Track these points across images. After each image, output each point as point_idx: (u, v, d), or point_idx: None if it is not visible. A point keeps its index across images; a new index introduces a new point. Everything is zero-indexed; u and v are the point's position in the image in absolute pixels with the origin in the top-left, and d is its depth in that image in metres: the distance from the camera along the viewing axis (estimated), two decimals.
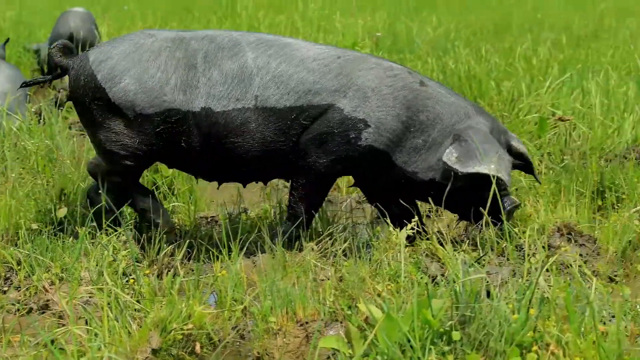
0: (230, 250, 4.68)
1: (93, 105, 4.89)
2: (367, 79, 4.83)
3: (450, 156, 4.81)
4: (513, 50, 10.32)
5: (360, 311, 3.57)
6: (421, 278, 4.26)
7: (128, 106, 4.81)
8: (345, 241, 4.80)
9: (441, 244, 4.77)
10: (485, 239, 4.78)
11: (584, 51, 10.24)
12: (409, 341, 3.29)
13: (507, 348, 3.27)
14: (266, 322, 3.95)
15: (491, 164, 4.75)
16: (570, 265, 4.45)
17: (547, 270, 4.53)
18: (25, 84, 5.18)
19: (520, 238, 4.80)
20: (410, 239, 4.92)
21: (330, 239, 4.86)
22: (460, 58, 9.71)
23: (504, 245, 4.74)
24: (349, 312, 3.79)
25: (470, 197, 4.86)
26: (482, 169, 4.75)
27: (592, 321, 3.28)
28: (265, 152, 4.85)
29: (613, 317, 3.72)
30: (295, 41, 5.01)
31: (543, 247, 4.65)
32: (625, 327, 3.46)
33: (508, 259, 4.66)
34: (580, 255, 4.83)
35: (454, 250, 4.64)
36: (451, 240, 4.80)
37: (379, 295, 4.04)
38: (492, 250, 4.71)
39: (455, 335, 3.31)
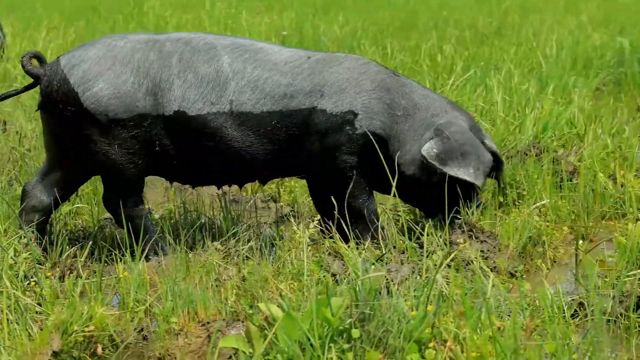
0: (133, 251, 4.65)
1: (65, 111, 4.77)
2: (338, 73, 4.89)
3: (430, 151, 4.86)
4: (419, 48, 10.42)
5: (261, 310, 3.58)
6: (324, 276, 4.29)
7: (101, 112, 4.74)
8: (249, 241, 4.81)
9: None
10: (387, 237, 4.83)
11: (487, 48, 10.39)
12: (308, 339, 3.31)
13: (405, 345, 3.31)
14: (168, 322, 3.94)
15: (470, 169, 4.84)
16: (471, 261, 4.51)
17: (448, 267, 4.59)
18: (1, 98, 5.07)
19: (421, 235, 4.85)
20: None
21: (234, 239, 4.86)
22: (367, 56, 9.77)
23: (407, 242, 4.79)
24: (250, 312, 3.80)
25: (440, 194, 4.88)
26: (461, 173, 4.84)
27: (489, 317, 3.33)
28: (244, 157, 4.87)
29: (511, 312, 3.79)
30: (268, 45, 5.04)
31: (445, 244, 4.71)
32: (522, 322, 3.53)
33: (410, 257, 4.71)
34: (482, 251, 4.89)
35: (357, 248, 4.67)
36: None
37: (281, 294, 4.06)
38: (394, 248, 4.75)
39: (355, 332, 3.33)
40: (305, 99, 4.84)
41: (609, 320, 4.09)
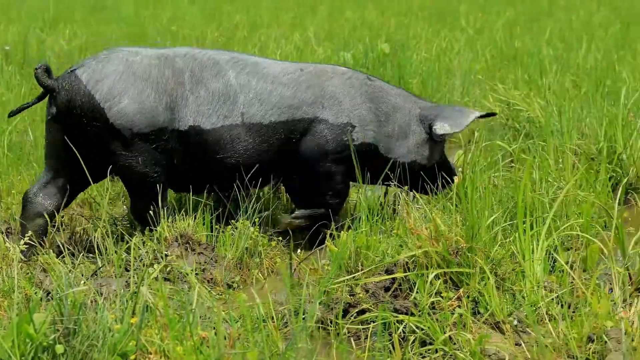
0: None
1: (89, 126, 4.93)
2: (333, 86, 5.39)
3: (442, 129, 5.51)
4: None
5: None
6: (36, 293, 4.18)
7: (126, 126, 4.93)
8: None
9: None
10: (103, 250, 4.76)
11: None
12: (10, 357, 3.22)
13: (110, 358, 3.28)
14: None
15: (475, 112, 5.61)
16: (187, 274, 4.51)
17: (166, 280, 4.60)
18: (13, 113, 5.21)
19: (140, 248, 4.82)
20: None
21: None
22: None
23: (124, 255, 4.74)
24: None
25: (432, 173, 5.71)
26: (475, 114, 5.58)
27: (191, 327, 3.35)
28: (253, 164, 5.24)
29: (226, 322, 3.82)
30: (260, 59, 5.43)
31: (161, 256, 4.71)
32: (226, 332, 3.56)
33: (127, 270, 4.66)
34: (199, 263, 4.92)
35: (73, 263, 4.58)
36: (72, 253, 4.76)
37: None
38: (109, 262, 4.69)
39: (59, 348, 3.27)
40: (309, 109, 5.32)
41: (319, 327, 4.20)
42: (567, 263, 4.60)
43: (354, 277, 4.40)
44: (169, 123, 5.04)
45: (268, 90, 5.23)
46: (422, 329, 3.92)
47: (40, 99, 5.15)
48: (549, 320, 3.93)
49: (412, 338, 3.94)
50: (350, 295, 4.31)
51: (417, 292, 4.15)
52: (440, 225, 4.28)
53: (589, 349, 3.73)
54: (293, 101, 5.28)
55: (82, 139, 4.98)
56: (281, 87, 5.27)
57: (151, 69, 5.03)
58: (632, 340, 3.72)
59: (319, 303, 4.27)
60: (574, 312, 4.00)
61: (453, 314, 3.95)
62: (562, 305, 4.05)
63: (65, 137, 5.00)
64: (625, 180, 5.70)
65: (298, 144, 5.34)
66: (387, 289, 4.34)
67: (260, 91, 5.21)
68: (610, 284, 4.28)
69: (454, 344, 3.83)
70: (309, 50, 11.35)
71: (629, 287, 4.42)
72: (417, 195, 5.36)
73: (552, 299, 4.06)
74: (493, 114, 5.99)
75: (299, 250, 5.28)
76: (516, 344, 3.90)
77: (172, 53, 5.17)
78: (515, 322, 3.99)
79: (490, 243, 4.37)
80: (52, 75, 5.04)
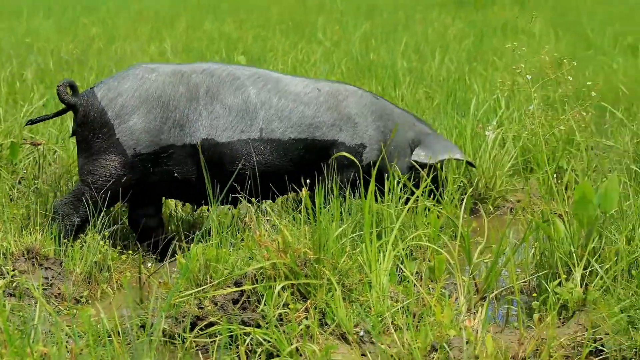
0: None
1: (96, 139, 5.15)
2: (349, 107, 5.58)
3: (418, 156, 5.70)
4: None
5: None
6: None
7: (130, 145, 5.15)
8: None
9: None
10: None
11: (68, 74, 10.25)
12: None
13: None
14: None
15: (457, 154, 5.77)
16: (32, 289, 4.42)
17: (11, 295, 4.49)
18: (31, 122, 5.36)
19: None
20: None
21: None
22: None
23: None
24: None
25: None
26: (456, 155, 5.74)
27: (31, 344, 3.28)
28: (267, 178, 5.40)
29: (70, 337, 3.75)
30: (281, 75, 5.58)
31: (7, 272, 4.60)
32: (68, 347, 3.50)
33: None
34: (46, 278, 4.82)
35: None
36: None
37: None
38: None
39: None
40: (328, 131, 5.50)
41: (166, 341, 4.17)
42: (415, 273, 4.68)
43: (202, 289, 4.38)
44: (176, 140, 5.24)
45: (289, 108, 5.42)
46: (269, 341, 3.93)
47: (59, 113, 5.38)
48: (395, 330, 3.98)
49: (259, 350, 3.94)
50: (198, 309, 4.29)
51: (265, 304, 4.15)
52: (288, 237, 4.29)
53: (433, 358, 3.80)
54: (313, 120, 5.47)
55: (89, 151, 5.21)
56: (302, 106, 5.46)
57: (165, 87, 5.24)
58: (475, 348, 3.81)
59: (167, 317, 4.24)
60: (419, 321, 4.06)
61: (300, 325, 3.97)
62: (407, 315, 4.11)
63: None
64: (470, 190, 5.83)
65: (317, 163, 5.52)
66: (235, 302, 4.33)
67: (281, 108, 5.40)
68: (457, 293, 4.37)
69: (301, 355, 3.84)
70: (165, 62, 11.25)
71: (475, 296, 4.53)
72: (267, 207, 5.38)
73: (398, 309, 4.12)
74: (473, 166, 6.15)
75: (149, 264, 5.23)
76: (362, 355, 3.95)
77: (189, 69, 5.36)
78: (362, 333, 4.03)
79: (338, 254, 4.40)
80: (76, 91, 5.24)
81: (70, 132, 5.25)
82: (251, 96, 5.36)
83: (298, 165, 5.49)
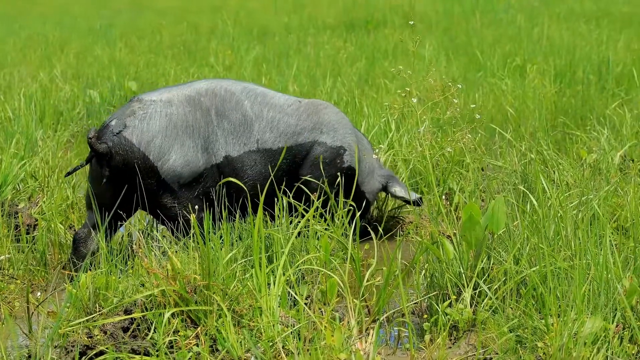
0: None
1: (145, 184, 5.34)
2: (328, 115, 6.00)
3: (400, 192, 6.17)
4: None
5: None
6: None
7: (175, 180, 5.40)
8: None
9: None
10: None
11: None
12: None
13: None
14: None
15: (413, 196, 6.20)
16: None
17: None
18: (69, 173, 5.55)
19: None
20: None
21: None
22: None
23: None
24: None
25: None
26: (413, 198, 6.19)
27: None
28: (263, 185, 5.53)
29: None
30: (265, 90, 5.89)
31: None
32: None
33: None
34: None
35: None
36: None
37: None
38: None
39: None
40: (309, 135, 5.89)
41: None
42: (307, 297, 4.68)
43: (91, 318, 4.31)
44: (206, 163, 5.50)
45: (277, 118, 5.76)
46: None
47: (89, 160, 5.42)
48: (286, 355, 3.97)
49: None
50: (88, 337, 4.23)
51: (154, 332, 4.11)
52: (177, 263, 4.26)
53: None
54: (296, 128, 5.84)
55: (133, 192, 5.40)
56: (287, 117, 5.81)
57: (187, 117, 5.46)
58: None
59: (55, 347, 4.17)
60: (310, 345, 4.06)
61: (190, 352, 3.93)
62: (299, 340, 4.10)
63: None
64: (359, 213, 5.86)
65: (302, 166, 5.90)
66: (125, 330, 4.29)
67: (270, 120, 5.74)
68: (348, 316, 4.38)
69: None
70: (55, 88, 11.11)
71: (367, 318, 4.55)
72: (157, 234, 5.34)
73: (289, 334, 4.11)
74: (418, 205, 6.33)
75: (38, 293, 5.13)
76: None
77: (194, 92, 5.58)
78: (252, 359, 4.01)
79: (228, 280, 4.38)
80: (99, 137, 5.35)
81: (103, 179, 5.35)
82: (247, 110, 5.68)
83: (286, 174, 5.83)
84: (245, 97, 5.71)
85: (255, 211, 5.50)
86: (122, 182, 5.38)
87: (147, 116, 5.40)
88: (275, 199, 5.51)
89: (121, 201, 5.40)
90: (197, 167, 5.46)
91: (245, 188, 5.54)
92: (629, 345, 3.98)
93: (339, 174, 5.93)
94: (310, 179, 5.85)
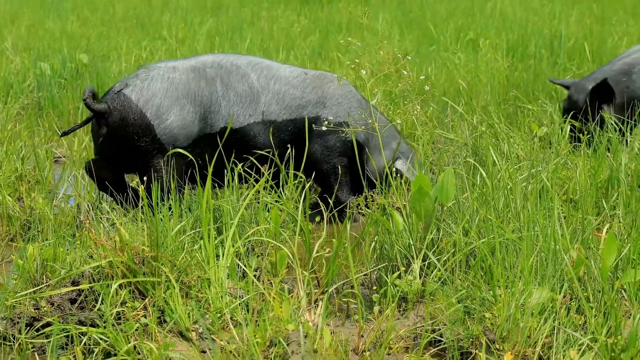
0: None
1: (140, 142, 5.37)
2: (333, 89, 5.98)
3: (401, 166, 6.04)
4: None
5: None
6: None
7: (170, 142, 5.40)
8: None
9: None
10: None
11: None
12: None
13: None
14: None
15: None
16: None
17: None
18: (65, 133, 5.52)
19: None
20: None
21: None
22: None
23: None
24: None
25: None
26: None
27: None
28: (266, 158, 5.68)
29: None
30: (271, 62, 5.97)
31: None
32: None
33: None
34: None
35: None
36: None
37: None
38: None
39: None
40: (313, 109, 5.89)
41: (1, 343, 4.08)
42: (257, 269, 4.68)
43: (39, 289, 4.29)
44: (200, 131, 5.53)
45: (283, 91, 5.81)
46: (106, 340, 3.87)
47: (88, 121, 5.48)
48: (234, 327, 3.97)
49: (96, 350, 3.88)
50: (35, 309, 4.21)
51: (102, 303, 4.09)
52: (125, 235, 4.23)
53: (272, 352, 3.81)
54: (301, 101, 5.86)
55: (128, 152, 5.42)
56: (292, 89, 5.85)
57: (189, 84, 5.51)
58: (314, 342, 3.83)
59: (2, 318, 4.15)
60: (258, 317, 4.05)
61: (138, 323, 3.92)
62: (247, 311, 4.10)
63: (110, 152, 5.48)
64: (308, 185, 5.86)
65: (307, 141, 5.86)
66: (73, 301, 4.26)
67: (276, 92, 5.79)
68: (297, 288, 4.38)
69: (139, 353, 3.80)
70: (5, 61, 10.98)
71: (316, 290, 4.55)
72: (106, 205, 5.30)
73: (237, 305, 4.10)
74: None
75: None
76: (202, 352, 3.93)
77: (200, 64, 5.65)
78: (201, 330, 4.00)
79: (177, 251, 4.36)
80: (97, 97, 5.37)
81: (100, 138, 5.40)
82: (254, 82, 5.74)
83: (289, 146, 5.86)
84: (252, 69, 5.78)
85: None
86: (119, 142, 5.40)
87: (149, 77, 5.47)
88: (225, 171, 5.50)
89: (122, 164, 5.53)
90: (192, 132, 5.49)
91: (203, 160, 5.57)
92: (575, 315, 4.00)
93: (339, 150, 5.96)
94: (314, 154, 5.91)
